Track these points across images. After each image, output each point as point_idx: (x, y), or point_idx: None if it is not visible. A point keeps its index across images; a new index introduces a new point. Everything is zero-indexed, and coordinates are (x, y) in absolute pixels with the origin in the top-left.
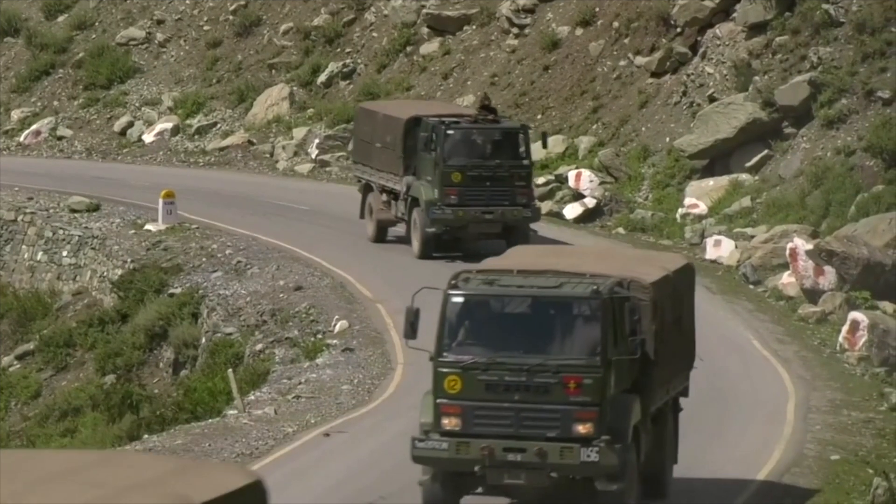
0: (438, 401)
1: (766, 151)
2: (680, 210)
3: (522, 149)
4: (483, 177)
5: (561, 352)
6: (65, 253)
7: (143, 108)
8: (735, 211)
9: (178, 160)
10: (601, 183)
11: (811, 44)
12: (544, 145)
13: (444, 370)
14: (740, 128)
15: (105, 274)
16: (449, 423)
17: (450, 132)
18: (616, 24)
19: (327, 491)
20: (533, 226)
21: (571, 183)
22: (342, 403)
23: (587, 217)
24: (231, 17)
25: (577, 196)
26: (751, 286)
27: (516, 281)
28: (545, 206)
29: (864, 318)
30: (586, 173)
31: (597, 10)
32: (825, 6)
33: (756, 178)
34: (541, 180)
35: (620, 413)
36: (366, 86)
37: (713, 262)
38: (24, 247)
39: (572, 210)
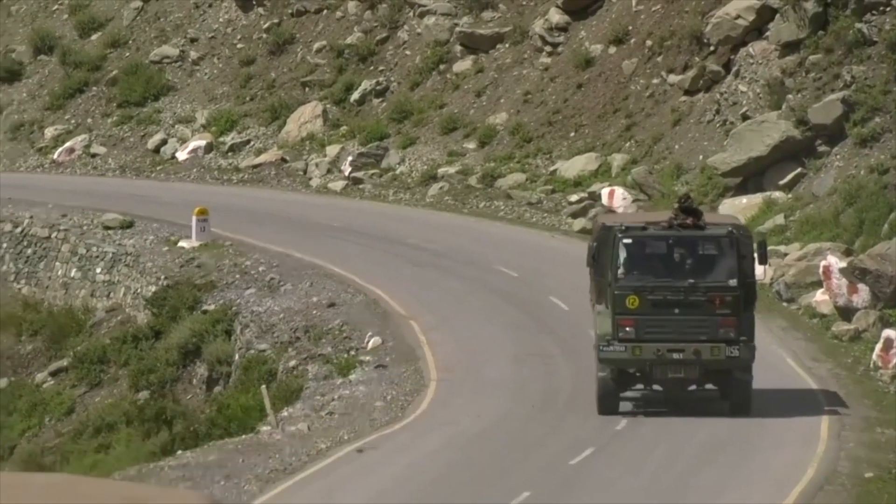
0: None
1: (799, 169)
2: None
3: (732, 263)
4: (670, 302)
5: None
6: (98, 270)
7: (176, 126)
8: (769, 228)
9: (211, 177)
10: (634, 200)
11: (844, 62)
12: (762, 260)
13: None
14: (773, 146)
15: (138, 291)
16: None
17: (626, 241)
18: (649, 42)
19: None
20: (559, 242)
21: (605, 200)
22: (375, 420)
23: None
24: (264, 36)
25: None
26: (784, 304)
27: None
28: (577, 224)
29: None
30: (619, 191)
31: (630, 28)
32: (858, 25)
33: (789, 195)
34: (574, 198)
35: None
36: (399, 104)
37: None
38: (57, 263)
39: None
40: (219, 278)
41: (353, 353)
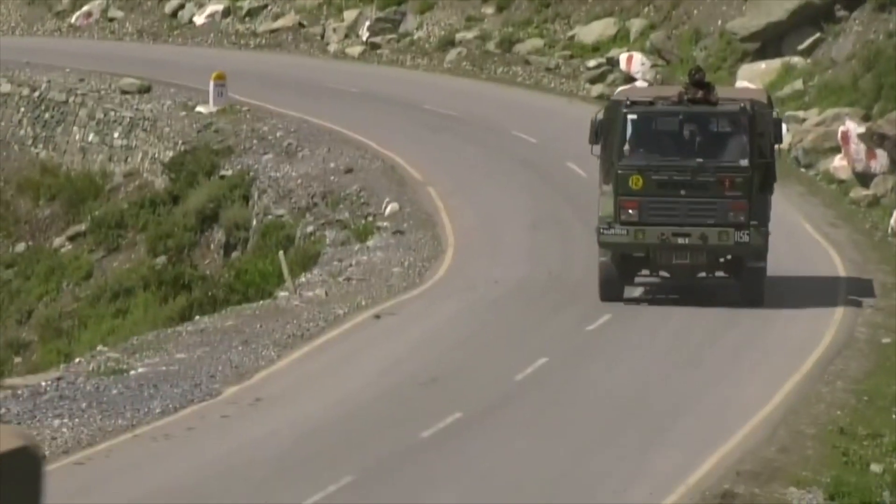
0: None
1: (818, 34)
2: None
3: (744, 142)
4: (677, 182)
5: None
6: (116, 134)
7: None
8: (787, 94)
9: (228, 42)
10: (653, 66)
11: None
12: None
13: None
14: (792, 11)
15: (156, 155)
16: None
17: (631, 116)
18: None
19: (378, 373)
20: (577, 108)
21: (623, 66)
22: (393, 286)
23: None
24: None
25: (629, 79)
26: (802, 169)
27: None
28: (596, 89)
29: None
30: (638, 56)
31: None
32: None
33: (808, 61)
34: (592, 63)
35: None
36: None
37: None
38: (75, 128)
39: None
40: (236, 143)
41: (370, 218)
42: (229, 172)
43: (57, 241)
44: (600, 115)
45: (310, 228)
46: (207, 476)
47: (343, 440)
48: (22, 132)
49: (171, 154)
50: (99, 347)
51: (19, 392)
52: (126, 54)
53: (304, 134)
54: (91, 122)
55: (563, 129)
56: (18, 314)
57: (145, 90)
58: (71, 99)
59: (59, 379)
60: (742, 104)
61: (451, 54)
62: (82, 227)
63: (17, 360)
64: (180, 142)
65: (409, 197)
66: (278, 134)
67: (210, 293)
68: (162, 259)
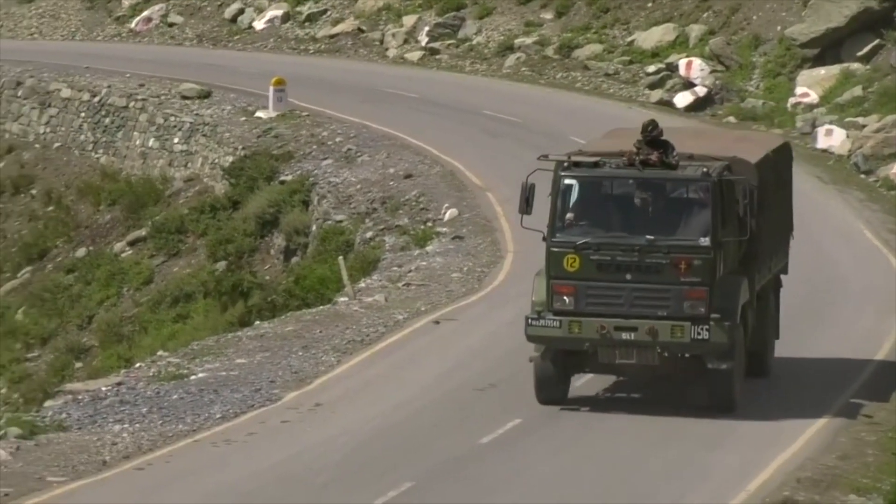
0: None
1: (877, 41)
2: (791, 99)
3: (707, 216)
4: (621, 264)
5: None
6: (176, 139)
7: None
8: (846, 100)
9: (288, 47)
10: (712, 71)
11: None
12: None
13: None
14: (852, 17)
15: (216, 161)
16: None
17: (568, 181)
18: None
19: (437, 378)
20: (636, 114)
21: (682, 71)
22: (452, 291)
23: (698, 106)
24: None
25: (688, 85)
26: (862, 175)
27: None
28: (655, 95)
29: None
30: (697, 62)
31: None
32: None
33: (867, 67)
34: (651, 69)
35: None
36: None
37: (824, 151)
38: (135, 133)
39: (683, 99)
40: (296, 149)
41: (429, 224)
42: (289, 177)
43: (117, 246)
44: (531, 179)
45: (369, 234)
46: (267, 481)
47: (403, 445)
48: (82, 137)
49: (230, 159)
50: (159, 352)
51: (80, 397)
52: (186, 59)
53: (363, 139)
54: (151, 127)
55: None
56: (79, 319)
57: (205, 95)
58: (131, 104)
59: (119, 384)
60: (705, 168)
61: (510, 59)
62: (142, 232)
63: (78, 365)
64: (240, 147)
65: (468, 202)
66: (338, 139)
67: (270, 298)
68: (222, 264)
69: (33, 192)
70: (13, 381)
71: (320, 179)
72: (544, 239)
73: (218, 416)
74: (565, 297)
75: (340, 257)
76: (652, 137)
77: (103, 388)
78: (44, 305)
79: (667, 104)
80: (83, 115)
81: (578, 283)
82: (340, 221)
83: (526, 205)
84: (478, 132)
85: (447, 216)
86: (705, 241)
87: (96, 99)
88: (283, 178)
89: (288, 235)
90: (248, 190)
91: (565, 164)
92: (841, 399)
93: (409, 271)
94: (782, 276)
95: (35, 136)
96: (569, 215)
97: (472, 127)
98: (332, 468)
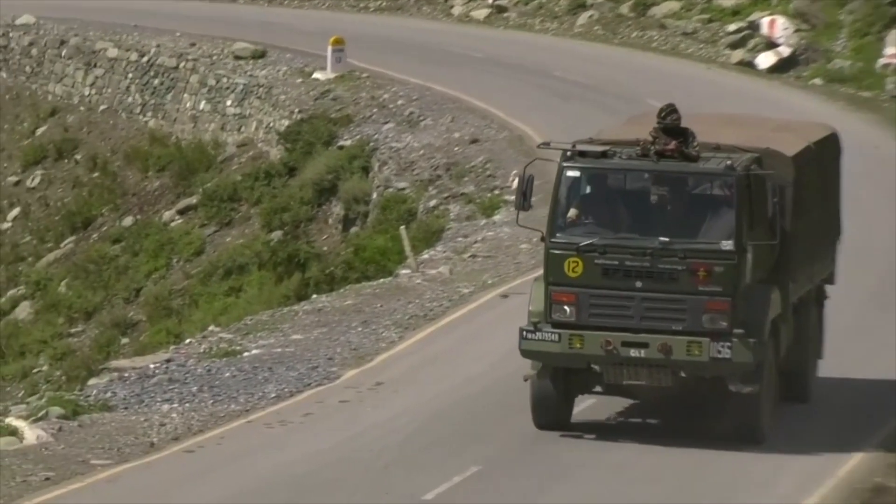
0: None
1: None
2: (880, 60)
3: (730, 215)
4: (631, 270)
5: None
6: (229, 102)
7: None
8: None
9: (346, 5)
10: (796, 31)
11: None
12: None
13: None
14: None
15: (271, 125)
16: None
17: (571, 172)
18: None
19: (505, 355)
20: (716, 75)
21: (765, 30)
22: (520, 263)
23: (781, 67)
24: None
25: (771, 45)
26: None
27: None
28: (736, 55)
29: None
30: (780, 20)
31: None
32: None
33: None
34: (732, 27)
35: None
36: None
37: None
38: (186, 95)
39: (765, 59)
40: (355, 112)
41: (496, 192)
42: (348, 142)
43: (166, 215)
44: (530, 170)
45: (433, 202)
46: (325, 464)
47: (468, 427)
48: (130, 99)
49: (286, 123)
50: (210, 328)
51: (126, 375)
52: (239, 17)
53: (426, 102)
54: (202, 89)
55: (701, 97)
56: (126, 292)
57: (259, 56)
58: (181, 64)
59: (168, 361)
60: (729, 161)
61: (582, 18)
62: (193, 200)
63: (125, 340)
64: (296, 110)
65: (537, 169)
66: (399, 102)
67: (328, 270)
68: (277, 234)
69: (77, 157)
70: (55, 358)
71: (381, 144)
72: (542, 239)
73: (272, 395)
74: (565, 307)
75: (402, 227)
76: (669, 124)
77: (151, 366)
78: (88, 277)
79: (748, 65)
80: (131, 76)
81: (581, 290)
82: (402, 189)
83: (523, 199)
84: (548, 95)
85: (515, 183)
86: (728, 244)
87: (145, 59)
88: (341, 143)
89: (347, 204)
90: (304, 155)
91: (568, 153)
92: (889, 427)
93: (475, 242)
94: (827, 287)
95: (80, 98)
96: (571, 212)
97: (541, 89)
98: (394, 450)
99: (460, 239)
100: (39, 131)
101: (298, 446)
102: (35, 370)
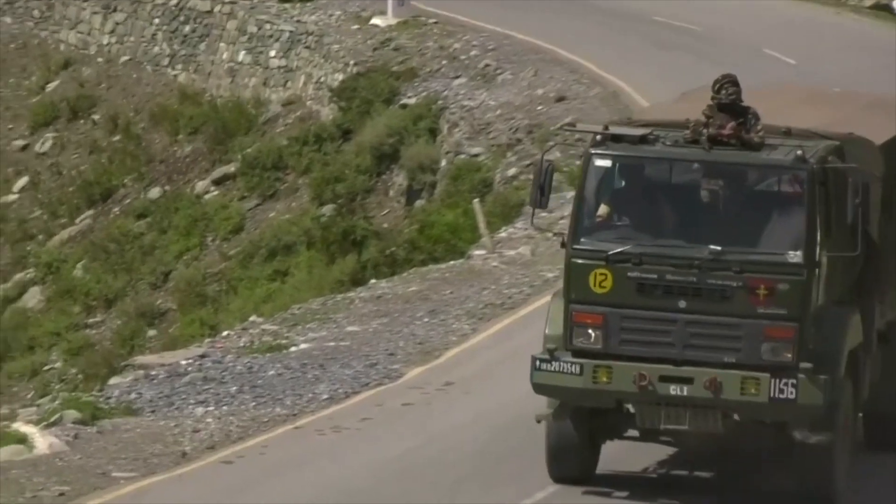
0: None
1: None
2: None
3: (800, 219)
4: (672, 286)
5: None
6: (272, 53)
7: None
8: None
9: None
10: None
11: None
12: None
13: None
14: None
15: (322, 79)
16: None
17: (601, 162)
18: None
19: None
20: (846, 21)
21: None
22: None
23: None
24: None
25: None
26: None
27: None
28: None
29: None
30: None
31: None
32: None
33: None
34: None
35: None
36: None
37: None
38: (222, 45)
39: None
40: (421, 64)
41: None
42: (412, 100)
43: (200, 186)
44: (549, 156)
45: (512, 171)
46: (385, 478)
47: None
48: (156, 49)
49: (340, 77)
50: (252, 318)
51: (154, 373)
52: None
53: (504, 53)
54: (242, 37)
55: (829, 47)
56: (153, 276)
57: None
58: (217, 8)
59: (202, 357)
60: (800, 151)
61: None
62: (231, 168)
63: (152, 332)
64: (352, 62)
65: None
66: (473, 53)
67: (388, 251)
68: (329, 208)
69: (95, 117)
70: (71, 353)
71: (451, 103)
72: (563, 245)
73: (324, 396)
74: (590, 331)
75: (476, 200)
76: (725, 101)
77: (182, 362)
78: (108, 259)
79: (885, 9)
80: (157, 21)
81: (609, 310)
82: (476, 155)
83: (540, 194)
84: (647, 44)
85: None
86: (796, 255)
87: (174, 1)
88: (404, 100)
89: (411, 172)
90: (361, 116)
91: (598, 137)
92: None
93: (561, 218)
94: None
95: (97, 47)
96: (600, 212)
97: (639, 37)
98: (465, 462)
99: (544, 214)
100: (50, 87)
101: (354, 456)
102: (46, 367)
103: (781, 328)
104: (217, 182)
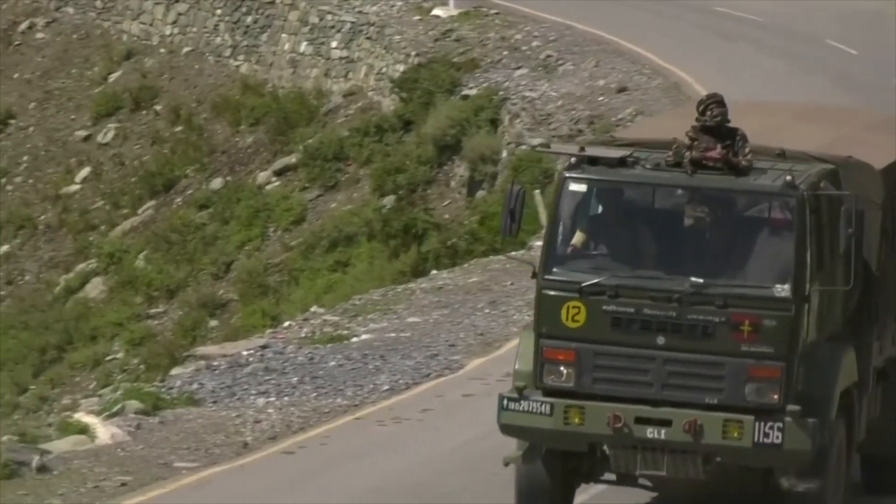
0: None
1: None
2: None
3: (790, 247)
4: (650, 320)
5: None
6: (334, 44)
7: None
8: None
9: None
10: None
11: None
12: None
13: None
14: None
15: (383, 70)
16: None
17: (575, 187)
18: None
19: None
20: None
21: None
22: None
23: None
24: None
25: None
26: None
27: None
28: None
29: None
30: None
31: None
32: None
33: None
34: None
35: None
36: None
37: None
38: (283, 35)
39: None
40: (482, 55)
41: None
42: (473, 91)
43: (261, 177)
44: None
45: (574, 160)
46: (446, 470)
47: None
48: (218, 40)
49: (401, 68)
50: (313, 309)
51: (215, 364)
52: None
53: (566, 43)
54: (303, 28)
55: (891, 38)
56: (214, 267)
57: None
58: None
59: (264, 347)
60: (790, 176)
61: None
62: (292, 159)
63: (213, 323)
64: (413, 53)
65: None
66: (534, 43)
67: (449, 242)
68: (390, 199)
69: (157, 108)
70: (132, 344)
71: (512, 94)
72: (535, 275)
73: (385, 387)
74: (562, 368)
75: (537, 191)
76: (711, 122)
77: (244, 353)
78: (170, 249)
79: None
80: (219, 12)
81: (583, 346)
82: (537, 146)
83: (511, 220)
84: (708, 34)
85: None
86: (784, 289)
87: None
88: (466, 91)
89: (472, 163)
90: (422, 107)
91: (573, 159)
92: None
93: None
94: None
95: (160, 38)
96: (575, 240)
97: (700, 28)
98: None
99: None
100: (112, 78)
101: (415, 448)
102: (109, 357)
103: (767, 367)
104: (278, 173)
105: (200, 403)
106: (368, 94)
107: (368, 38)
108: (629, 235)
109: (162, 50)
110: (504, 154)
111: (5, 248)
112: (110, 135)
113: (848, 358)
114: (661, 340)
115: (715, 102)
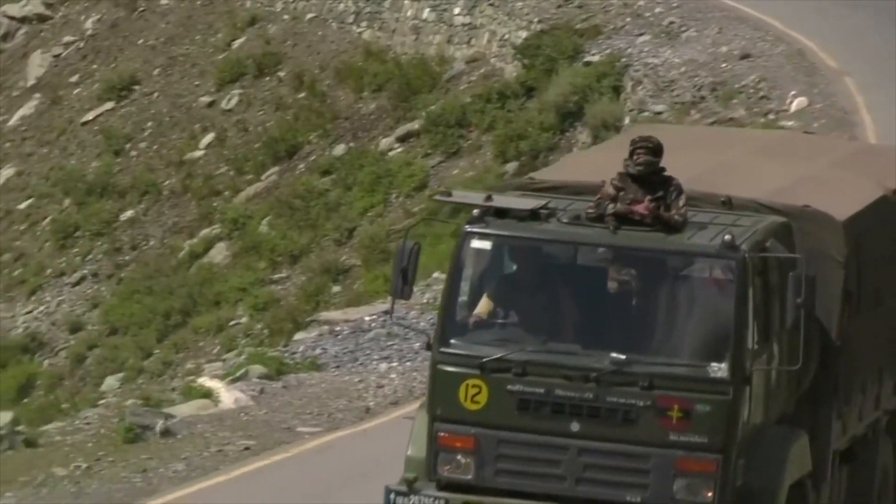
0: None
1: None
2: None
3: (727, 319)
4: (563, 402)
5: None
6: (457, 10)
7: None
8: None
9: None
10: None
11: None
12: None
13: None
14: None
15: (506, 37)
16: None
17: (477, 245)
18: None
19: None
20: None
21: None
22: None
23: None
24: None
25: None
26: None
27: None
28: None
29: None
30: None
31: None
32: None
33: None
34: None
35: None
36: None
37: None
38: (406, 2)
39: None
40: (605, 22)
41: (771, 116)
42: (596, 58)
43: (384, 143)
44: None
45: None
46: None
47: None
48: (341, 7)
49: (523, 35)
50: (435, 274)
51: (338, 329)
52: None
53: (688, 10)
54: None
55: None
56: (337, 232)
57: None
58: None
59: (386, 313)
60: (729, 235)
61: None
62: (415, 125)
63: (336, 289)
64: (536, 19)
65: (820, 90)
66: (657, 10)
67: None
68: (513, 165)
69: (281, 74)
70: (256, 309)
71: (635, 60)
72: (429, 347)
73: None
74: (459, 458)
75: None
76: (639, 169)
77: (366, 318)
78: (293, 215)
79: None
80: None
81: (484, 432)
82: (660, 113)
83: (403, 282)
84: (835, 1)
85: (794, 107)
86: (719, 368)
87: None
88: (588, 58)
89: (595, 130)
90: (545, 73)
91: (476, 212)
92: None
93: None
94: None
95: (283, 4)
96: (478, 309)
97: None
98: None
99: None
100: (236, 44)
101: None
102: (233, 322)
103: (700, 460)
104: (401, 139)
105: (323, 368)
106: (491, 61)
107: (491, 5)
108: (540, 302)
109: (285, 16)
110: (626, 120)
111: (130, 213)
112: (234, 101)
113: (799, 444)
114: (575, 427)
115: (643, 148)
